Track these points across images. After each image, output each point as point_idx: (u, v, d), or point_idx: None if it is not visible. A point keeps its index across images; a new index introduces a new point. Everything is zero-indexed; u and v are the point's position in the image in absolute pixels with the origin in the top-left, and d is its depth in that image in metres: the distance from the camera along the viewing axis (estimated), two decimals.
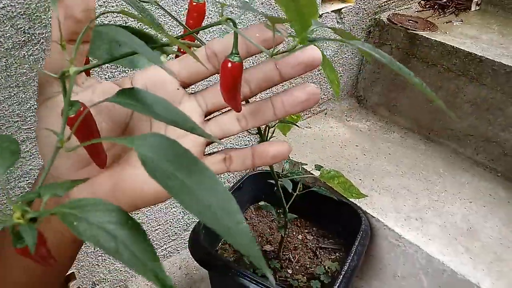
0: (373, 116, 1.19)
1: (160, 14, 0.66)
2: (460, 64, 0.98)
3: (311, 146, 1.02)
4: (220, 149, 0.33)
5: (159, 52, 0.34)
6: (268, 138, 0.56)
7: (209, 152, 0.33)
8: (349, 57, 1.14)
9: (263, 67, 0.31)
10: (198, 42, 0.38)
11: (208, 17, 0.75)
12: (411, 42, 1.05)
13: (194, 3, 0.36)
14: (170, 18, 0.68)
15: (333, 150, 1.02)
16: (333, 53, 1.08)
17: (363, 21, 1.09)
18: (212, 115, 0.33)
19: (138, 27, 0.65)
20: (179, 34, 0.70)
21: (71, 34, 0.26)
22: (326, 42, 1.04)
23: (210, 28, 0.76)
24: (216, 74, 0.31)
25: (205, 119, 0.33)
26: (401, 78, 1.11)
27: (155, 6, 0.65)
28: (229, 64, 0.27)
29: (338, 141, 1.06)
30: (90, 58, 0.33)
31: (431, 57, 1.03)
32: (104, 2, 0.59)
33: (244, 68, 0.31)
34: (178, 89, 0.31)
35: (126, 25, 0.28)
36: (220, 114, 0.33)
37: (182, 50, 0.37)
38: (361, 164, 0.98)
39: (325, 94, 1.14)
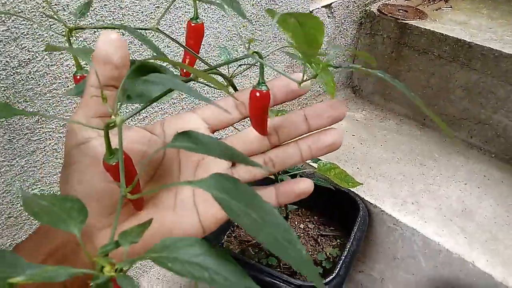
0: (369, 105, 1.22)
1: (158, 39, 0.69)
2: (450, 50, 1.01)
3: None
4: None
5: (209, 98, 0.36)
6: None
7: None
8: (343, 48, 1.17)
9: (293, 117, 0.33)
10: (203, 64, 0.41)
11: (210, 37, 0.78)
12: (401, 32, 1.08)
13: (193, 24, 0.37)
14: (167, 42, 0.72)
15: None
16: (326, 46, 1.11)
17: (353, 14, 1.12)
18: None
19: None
20: (172, 52, 0.73)
21: (109, 80, 0.27)
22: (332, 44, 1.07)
23: (208, 48, 0.79)
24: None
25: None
26: (395, 67, 1.13)
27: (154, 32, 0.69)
28: (257, 94, 0.30)
29: None
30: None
31: (422, 45, 1.05)
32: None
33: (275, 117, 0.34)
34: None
35: (145, 61, 0.31)
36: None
37: (184, 73, 0.39)
38: (358, 153, 1.01)
39: (321, 86, 1.17)
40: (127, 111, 0.72)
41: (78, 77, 0.40)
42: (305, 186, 0.33)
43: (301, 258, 0.20)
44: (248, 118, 0.34)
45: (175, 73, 0.38)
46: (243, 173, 0.34)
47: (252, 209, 0.21)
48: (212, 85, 0.28)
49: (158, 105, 0.78)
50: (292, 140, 0.34)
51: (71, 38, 0.63)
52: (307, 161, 0.86)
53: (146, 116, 0.78)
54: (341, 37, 1.13)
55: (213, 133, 0.34)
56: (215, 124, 0.34)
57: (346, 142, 1.05)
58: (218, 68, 0.34)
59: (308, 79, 0.34)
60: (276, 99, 0.34)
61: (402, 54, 1.10)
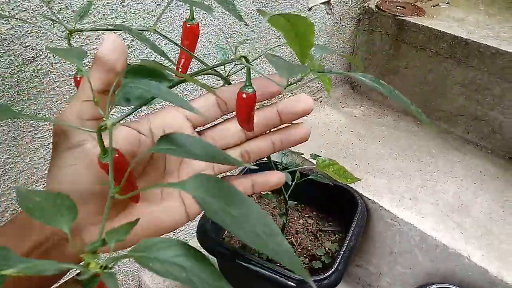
0: (367, 101, 1.23)
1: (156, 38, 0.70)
2: (448, 47, 1.02)
3: None
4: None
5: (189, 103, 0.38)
6: None
7: None
8: (341, 45, 1.18)
9: (267, 112, 0.36)
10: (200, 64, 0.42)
11: (204, 36, 0.78)
12: (399, 28, 1.09)
13: (189, 25, 0.38)
14: (166, 41, 0.72)
15: (329, 137, 1.07)
16: (324, 43, 1.12)
17: (352, 10, 1.12)
18: None
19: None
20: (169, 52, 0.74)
21: (107, 85, 0.28)
22: (318, 33, 1.07)
23: (208, 45, 0.80)
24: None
25: None
26: (393, 63, 1.14)
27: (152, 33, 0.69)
28: (244, 95, 0.32)
29: (334, 128, 1.10)
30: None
31: (420, 41, 1.06)
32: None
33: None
34: (192, 133, 0.36)
35: (139, 63, 0.32)
36: (226, 149, 0.38)
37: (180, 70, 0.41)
38: (357, 149, 1.03)
39: (319, 83, 1.18)
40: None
41: (78, 78, 0.40)
42: (277, 178, 0.38)
43: (282, 248, 0.20)
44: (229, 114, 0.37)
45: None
46: (222, 165, 0.37)
47: (233, 207, 0.22)
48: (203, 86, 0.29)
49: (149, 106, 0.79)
50: (265, 132, 0.38)
51: (73, 37, 0.63)
52: (306, 158, 0.87)
53: (136, 119, 0.78)
54: (339, 33, 1.14)
55: (195, 128, 0.37)
56: (197, 122, 0.37)
57: (344, 138, 1.06)
58: (216, 68, 0.36)
59: (293, 83, 0.36)
60: (282, 119, 0.37)
61: (400, 50, 1.11)
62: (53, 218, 0.23)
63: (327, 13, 1.06)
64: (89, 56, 0.64)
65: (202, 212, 0.39)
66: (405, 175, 0.95)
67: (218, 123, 0.38)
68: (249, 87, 0.32)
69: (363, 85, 1.25)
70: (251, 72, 0.33)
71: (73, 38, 0.61)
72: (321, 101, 1.20)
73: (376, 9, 1.12)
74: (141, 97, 0.32)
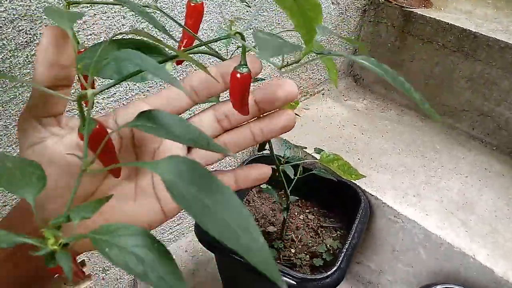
0: (370, 95, 1.20)
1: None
2: (455, 40, 0.99)
3: (309, 128, 1.04)
4: None
5: (175, 78, 0.35)
6: None
7: None
8: (345, 36, 1.15)
9: None
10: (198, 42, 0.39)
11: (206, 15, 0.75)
12: (406, 20, 1.06)
13: (193, 4, 0.36)
14: (168, 19, 0.69)
15: (332, 130, 1.04)
16: (329, 35, 1.09)
17: (358, 1, 1.09)
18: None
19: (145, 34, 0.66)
20: (175, 34, 0.71)
21: (57, 81, 0.27)
22: (322, 23, 1.04)
23: (210, 33, 0.77)
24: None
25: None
26: (398, 56, 1.12)
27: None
28: (238, 75, 0.29)
29: (336, 121, 1.08)
30: (97, 77, 0.34)
31: (427, 34, 1.03)
32: (110, 10, 0.60)
33: (224, 100, 0.34)
34: None
35: (132, 37, 0.29)
36: None
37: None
38: (360, 143, 1.00)
39: (322, 75, 1.15)
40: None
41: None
42: (259, 172, 0.34)
43: (256, 246, 0.18)
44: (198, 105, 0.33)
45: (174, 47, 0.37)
46: (198, 159, 0.34)
47: (206, 194, 0.19)
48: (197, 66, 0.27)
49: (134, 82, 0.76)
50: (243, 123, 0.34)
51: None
52: (309, 152, 0.85)
53: (116, 93, 0.74)
54: (344, 24, 1.11)
55: None
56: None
57: (347, 132, 1.04)
58: (217, 52, 0.33)
59: (290, 64, 0.32)
60: (260, 108, 0.33)
61: (405, 43, 1.08)
62: (20, 186, 0.21)
63: (332, 3, 1.03)
64: (85, 42, 0.61)
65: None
66: (409, 171, 0.93)
67: (191, 116, 0.35)
68: (243, 66, 0.29)
69: (366, 78, 1.22)
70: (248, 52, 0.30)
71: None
72: (323, 94, 1.18)
73: (383, 0, 1.09)
74: (119, 71, 0.29)
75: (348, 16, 1.10)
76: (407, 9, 1.05)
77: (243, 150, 0.36)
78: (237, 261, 0.69)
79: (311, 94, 1.16)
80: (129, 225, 0.20)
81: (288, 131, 0.34)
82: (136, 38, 0.29)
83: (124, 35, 0.27)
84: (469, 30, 0.96)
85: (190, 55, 0.31)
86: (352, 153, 0.97)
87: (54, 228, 0.20)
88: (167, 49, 0.29)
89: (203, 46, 0.33)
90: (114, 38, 0.28)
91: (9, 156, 0.22)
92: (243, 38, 0.29)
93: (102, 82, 0.63)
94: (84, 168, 0.22)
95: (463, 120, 1.06)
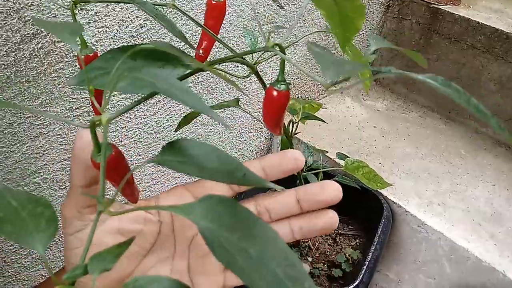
0: (391, 95, 1.15)
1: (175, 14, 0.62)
2: (485, 40, 0.94)
3: (327, 128, 0.99)
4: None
5: (211, 109, 0.32)
6: (294, 132, 0.54)
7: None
8: (366, 33, 1.09)
9: (285, 199, 0.31)
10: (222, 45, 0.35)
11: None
12: (432, 17, 1.00)
13: (214, 2, 0.34)
14: (184, 20, 0.65)
15: (351, 131, 0.99)
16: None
17: None
18: None
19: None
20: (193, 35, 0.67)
21: (92, 180, 0.27)
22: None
23: (229, 27, 0.72)
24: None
25: None
26: (423, 55, 1.06)
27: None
28: (275, 92, 0.26)
29: (355, 122, 1.03)
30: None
31: (454, 33, 0.98)
32: (126, 15, 0.55)
33: (266, 193, 0.32)
34: None
35: (152, 46, 0.26)
36: None
37: (200, 54, 0.35)
38: (380, 146, 0.95)
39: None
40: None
41: (82, 56, 0.34)
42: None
43: None
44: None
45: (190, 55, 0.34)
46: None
47: (249, 242, 0.16)
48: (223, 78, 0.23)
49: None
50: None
51: (79, 12, 0.56)
52: (331, 157, 0.81)
53: (134, 115, 0.71)
54: (366, 20, 1.05)
55: None
56: None
57: (367, 133, 0.99)
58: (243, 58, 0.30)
59: (338, 82, 0.28)
60: (267, 176, 0.32)
61: (431, 41, 1.03)
62: (28, 232, 0.18)
63: None
64: (96, 35, 0.57)
65: None
66: (433, 178, 0.88)
67: None
68: (281, 83, 0.27)
69: (386, 77, 1.17)
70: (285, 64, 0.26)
71: (80, 13, 0.54)
72: (341, 92, 1.13)
73: None
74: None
75: (370, 11, 1.05)
76: (434, 6, 0.99)
77: None
78: None
79: (329, 93, 1.11)
80: (158, 278, 0.17)
81: (329, 232, 0.32)
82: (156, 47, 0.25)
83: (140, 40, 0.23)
84: (501, 30, 0.91)
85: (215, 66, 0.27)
86: (372, 156, 0.92)
87: (68, 285, 0.17)
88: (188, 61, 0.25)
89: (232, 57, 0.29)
90: (127, 45, 0.24)
91: (13, 190, 0.19)
92: (282, 50, 0.25)
93: None
94: (102, 210, 0.18)
95: (489, 124, 1.00)
